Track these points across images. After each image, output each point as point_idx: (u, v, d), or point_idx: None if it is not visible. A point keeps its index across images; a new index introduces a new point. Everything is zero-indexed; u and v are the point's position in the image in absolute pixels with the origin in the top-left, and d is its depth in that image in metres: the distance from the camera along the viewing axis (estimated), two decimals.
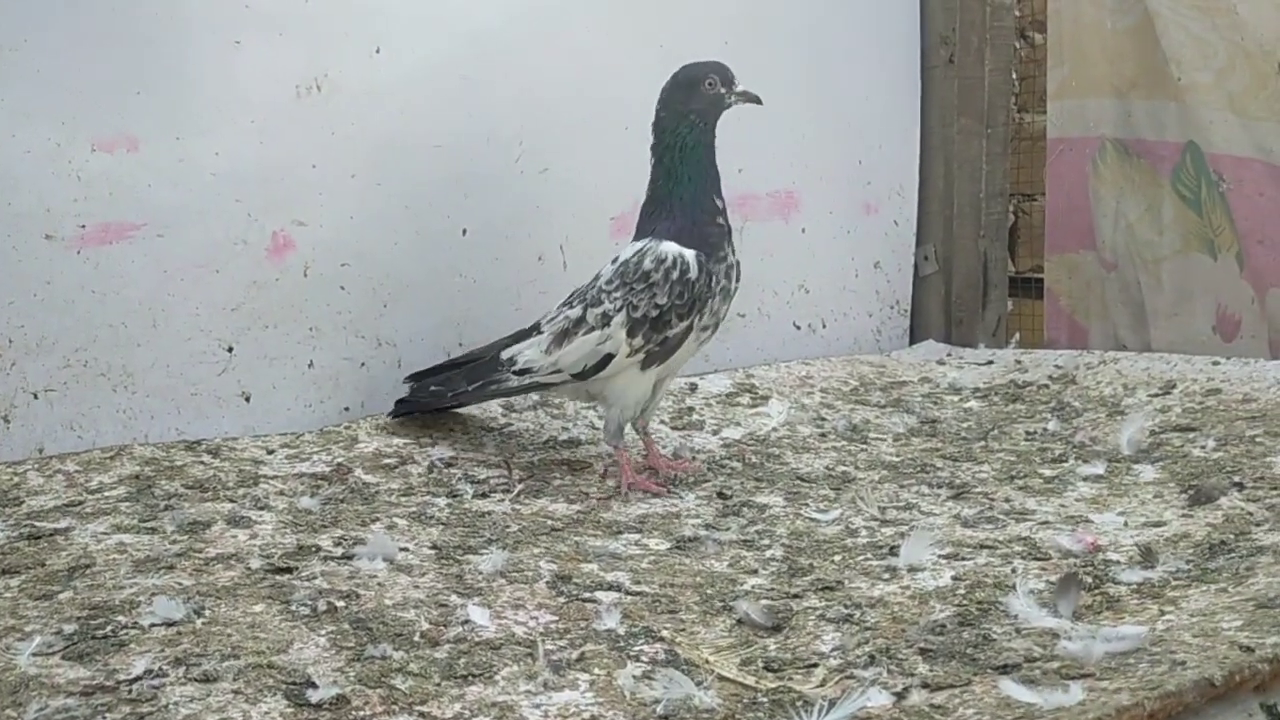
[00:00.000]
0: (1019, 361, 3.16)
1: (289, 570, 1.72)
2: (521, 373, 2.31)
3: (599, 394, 2.30)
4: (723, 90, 2.26)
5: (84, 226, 2.35)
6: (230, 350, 2.54)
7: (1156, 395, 2.69)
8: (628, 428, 2.31)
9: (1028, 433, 2.60)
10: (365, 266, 2.68)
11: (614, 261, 2.29)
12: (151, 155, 2.41)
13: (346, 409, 2.67)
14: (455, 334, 2.82)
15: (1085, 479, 2.24)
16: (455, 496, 2.17)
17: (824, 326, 3.42)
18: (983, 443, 2.55)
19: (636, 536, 1.99)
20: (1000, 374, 3.10)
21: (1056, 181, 3.23)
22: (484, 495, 2.18)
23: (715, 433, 2.64)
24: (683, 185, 2.24)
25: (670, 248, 2.21)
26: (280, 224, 2.57)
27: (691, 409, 2.80)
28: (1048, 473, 2.31)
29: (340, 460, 2.32)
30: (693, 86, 2.25)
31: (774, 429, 2.67)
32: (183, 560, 1.75)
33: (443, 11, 2.71)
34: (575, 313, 2.28)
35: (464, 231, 2.80)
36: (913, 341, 3.55)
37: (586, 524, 2.06)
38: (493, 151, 2.82)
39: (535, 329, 2.35)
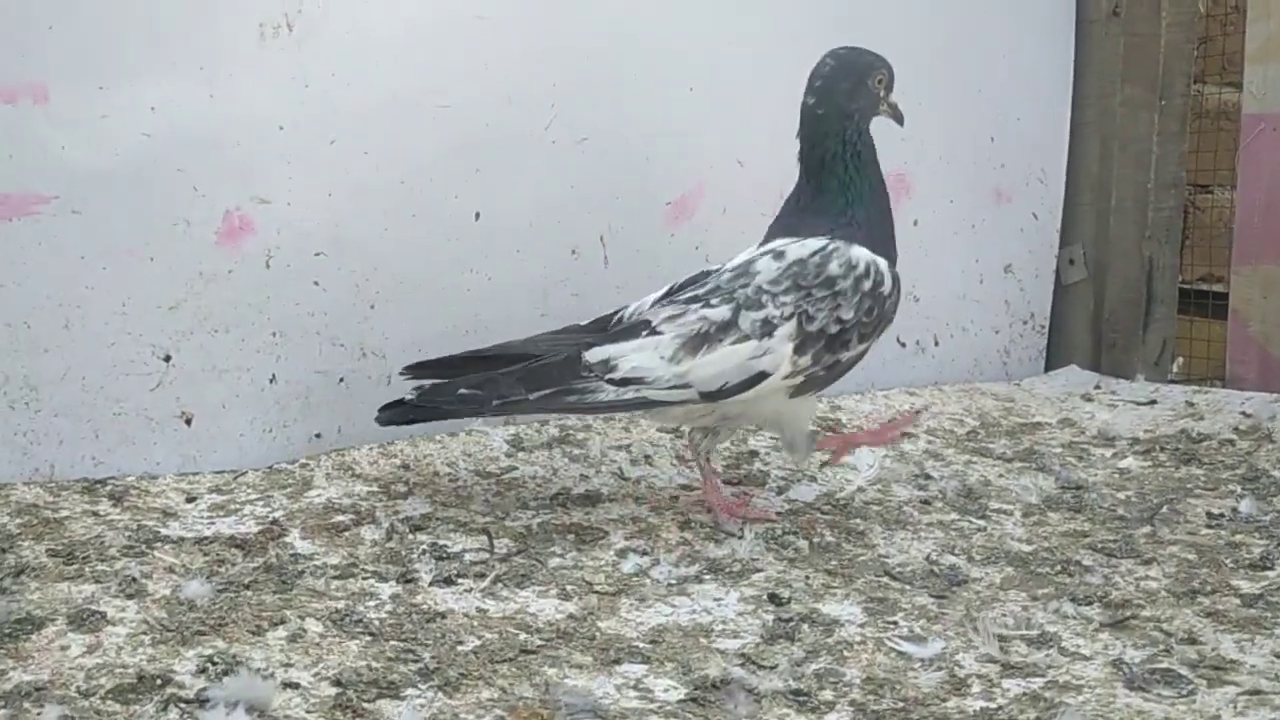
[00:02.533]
0: (1191, 404, 2.44)
1: None
2: (624, 383, 1.77)
3: (722, 420, 1.85)
4: (881, 94, 1.89)
5: None
6: (167, 359, 2.01)
7: None
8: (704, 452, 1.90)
9: (1210, 515, 1.90)
10: (347, 256, 2.11)
11: (774, 256, 1.84)
12: (65, 108, 1.88)
13: (318, 436, 2.13)
14: (461, 343, 2.22)
15: None
16: (409, 582, 1.59)
17: (936, 344, 2.75)
18: (1148, 528, 1.86)
19: (641, 671, 1.38)
20: (1167, 419, 2.39)
21: (1252, 170, 2.48)
22: (447, 581, 1.60)
23: (780, 491, 2.01)
24: (864, 198, 1.85)
25: (862, 253, 1.82)
26: (235, 201, 2.02)
27: (754, 454, 2.17)
28: (1246, 588, 1.62)
29: (277, 516, 1.77)
30: (860, 79, 1.87)
31: (860, 488, 2.03)
32: None
33: None
34: (720, 314, 1.79)
35: (476, 216, 2.22)
36: (1050, 367, 2.84)
37: (576, 640, 1.46)
38: (516, 115, 2.22)
39: (643, 327, 1.82)
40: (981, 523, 1.90)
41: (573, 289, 2.32)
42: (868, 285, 1.80)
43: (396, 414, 1.83)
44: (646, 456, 2.10)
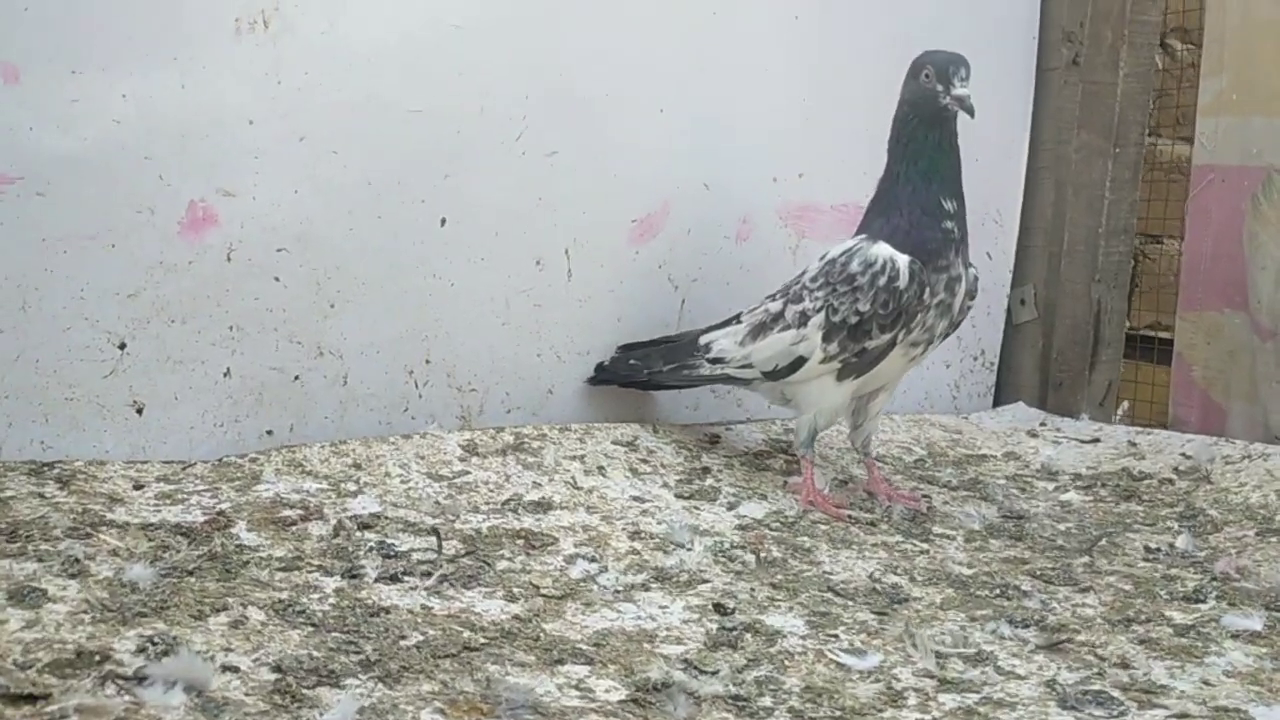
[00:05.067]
0: (1134, 444, 2.49)
1: (34, 699, 1.15)
2: (715, 361, 2.18)
3: (791, 398, 2.15)
4: (939, 88, 1.97)
5: None
6: (122, 347, 2.00)
7: None
8: (820, 438, 2.14)
9: (1148, 549, 1.95)
10: (309, 254, 2.12)
11: (822, 258, 2.10)
12: (36, 90, 1.88)
13: (269, 432, 2.12)
14: (421, 347, 2.25)
15: (1235, 636, 1.59)
16: (354, 578, 1.59)
17: None
18: (1087, 558, 1.90)
19: (583, 671, 1.39)
20: (1109, 457, 2.44)
21: (1200, 220, 2.56)
22: (393, 578, 1.59)
23: (731, 507, 2.03)
24: (901, 184, 2.03)
25: (882, 250, 2.01)
26: (201, 192, 2.02)
27: (707, 469, 2.19)
28: (1179, 619, 1.66)
29: (224, 508, 1.76)
30: (914, 76, 2.02)
31: (809, 509, 2.06)
32: None
33: None
34: (776, 307, 2.12)
35: (442, 221, 2.23)
36: (998, 403, 2.90)
37: (520, 639, 1.46)
38: (487, 124, 2.25)
39: (736, 318, 2.20)
40: (925, 546, 1.93)
41: (535, 299, 2.34)
42: (883, 280, 1.97)
43: (597, 374, 2.36)
44: (600, 467, 2.11)
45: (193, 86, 1.98)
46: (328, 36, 2.07)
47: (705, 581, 1.71)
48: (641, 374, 2.31)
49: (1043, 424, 2.71)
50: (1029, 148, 2.85)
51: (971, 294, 2.07)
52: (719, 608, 1.61)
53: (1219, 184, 2.49)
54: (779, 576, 1.75)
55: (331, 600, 1.51)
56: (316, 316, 2.14)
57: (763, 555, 1.82)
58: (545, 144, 2.30)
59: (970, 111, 1.95)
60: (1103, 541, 1.97)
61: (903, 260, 1.98)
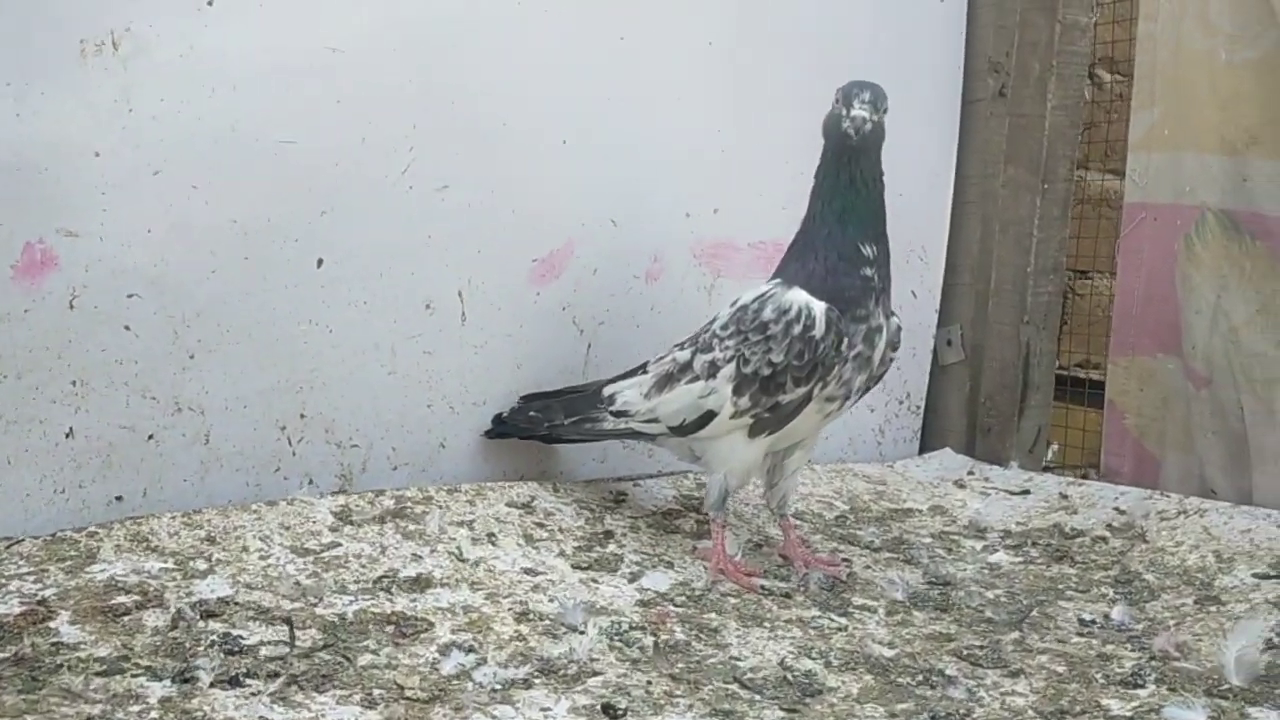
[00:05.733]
0: (1065, 496, 2.36)
1: None
2: (619, 414, 2.02)
3: (701, 455, 1.98)
4: (842, 111, 1.82)
5: None
6: None
7: (1269, 577, 1.89)
8: (730, 501, 1.96)
9: (1082, 621, 1.80)
10: (165, 300, 1.91)
11: (733, 304, 1.94)
12: None
13: (119, 498, 1.90)
14: (295, 400, 2.05)
15: None
16: (187, 682, 1.38)
17: None
18: (1017, 634, 1.75)
19: None
20: (1040, 511, 2.31)
21: (1132, 260, 2.44)
22: (232, 681, 1.39)
23: (633, 579, 1.85)
24: (818, 225, 1.88)
25: (798, 296, 1.85)
26: (38, 232, 1.80)
27: (609, 534, 2.01)
28: (1117, 709, 1.50)
29: (47, 595, 1.54)
30: (832, 104, 1.87)
31: (718, 578, 1.88)
32: None
33: None
34: (684, 356, 1.96)
35: (319, 262, 2.04)
36: (924, 449, 2.76)
37: None
38: (369, 156, 2.06)
39: (642, 368, 2.04)
40: (843, 620, 1.77)
41: (425, 345, 2.15)
42: (798, 330, 1.82)
43: (494, 427, 2.19)
44: (490, 535, 1.92)
45: (29, 115, 1.77)
46: (186, 60, 1.87)
47: (596, 674, 1.52)
48: (542, 427, 2.13)
49: (970, 473, 2.57)
50: (955, 182, 2.72)
51: (894, 345, 1.92)
52: (608, 709, 1.42)
53: (1151, 223, 2.38)
54: (680, 665, 1.57)
55: (154, 714, 1.29)
56: (174, 368, 1.93)
57: (663, 639, 1.64)
58: (435, 177, 2.11)
59: (856, 129, 1.77)
60: (1034, 613, 1.82)
61: (819, 308, 1.82)
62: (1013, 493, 2.43)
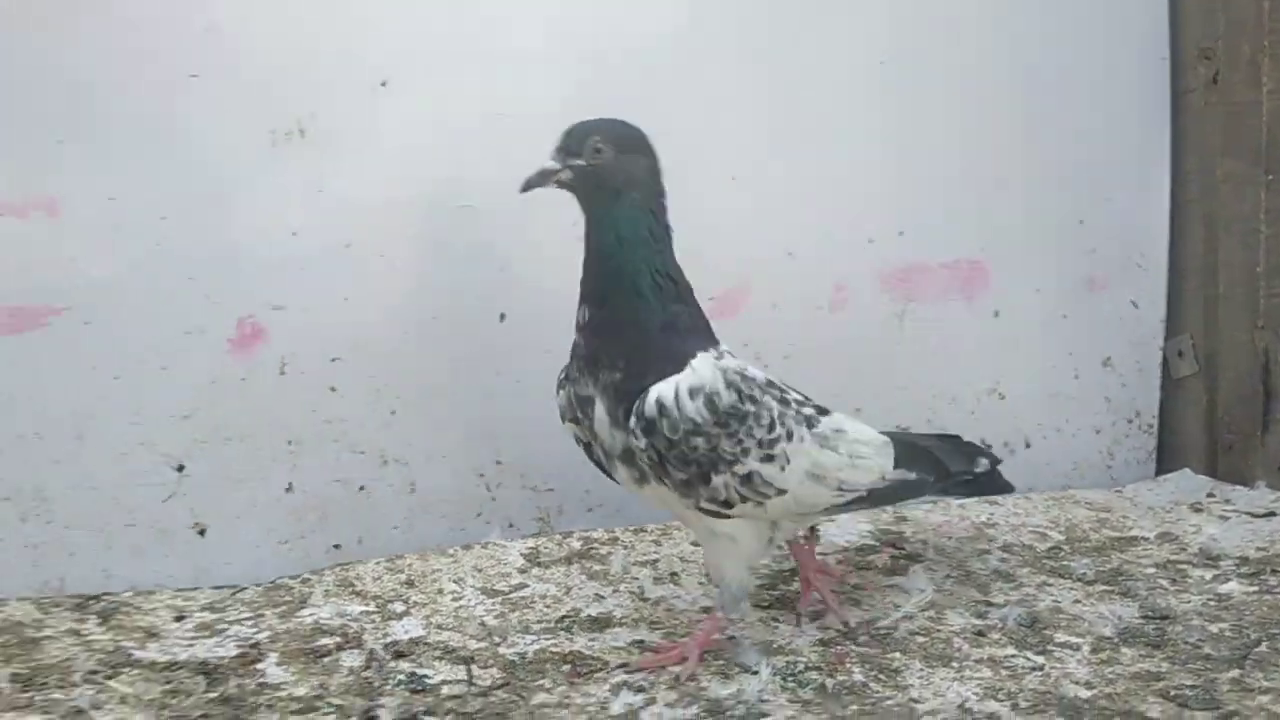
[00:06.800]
0: None
1: None
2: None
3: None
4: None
5: None
6: (180, 469, 1.97)
7: None
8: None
9: None
10: (364, 362, 2.05)
11: None
12: (77, 220, 1.89)
13: (336, 546, 2.05)
14: (492, 448, 2.14)
15: None
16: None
17: (1027, 446, 2.50)
18: (1237, 671, 1.58)
19: None
20: None
21: None
22: (411, 719, 1.46)
23: (815, 617, 1.81)
24: None
25: None
26: (248, 308, 1.99)
27: (795, 571, 1.97)
28: None
29: (260, 638, 1.67)
30: None
31: (907, 614, 1.81)
32: None
33: (469, 30, 2.07)
34: None
35: (502, 317, 2.13)
36: (1161, 470, 2.55)
37: None
38: (544, 212, 2.10)
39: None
40: (1040, 659, 1.65)
41: None
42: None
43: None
44: (673, 574, 1.94)
45: (232, 203, 1.96)
46: (367, 137, 2.02)
47: (764, 715, 1.50)
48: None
49: (1210, 495, 2.35)
50: (1171, 181, 2.52)
51: (640, 420, 1.53)
52: None
53: None
54: (853, 708, 1.52)
55: None
56: (377, 425, 2.07)
57: (839, 679, 1.59)
58: None
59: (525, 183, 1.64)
60: (1261, 646, 1.64)
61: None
62: (1256, 515, 2.20)
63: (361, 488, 2.07)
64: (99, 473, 1.93)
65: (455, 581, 1.88)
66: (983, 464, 1.89)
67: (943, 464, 1.81)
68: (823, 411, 1.71)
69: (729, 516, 1.60)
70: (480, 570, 1.92)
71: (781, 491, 1.60)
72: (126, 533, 1.95)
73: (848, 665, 1.64)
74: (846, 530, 2.18)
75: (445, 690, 1.55)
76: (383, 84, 2.02)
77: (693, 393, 1.54)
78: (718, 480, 1.55)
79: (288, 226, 1.99)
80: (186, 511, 1.98)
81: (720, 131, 2.23)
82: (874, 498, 1.72)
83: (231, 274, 1.97)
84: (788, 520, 1.69)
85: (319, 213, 2.00)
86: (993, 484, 1.93)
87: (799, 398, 1.70)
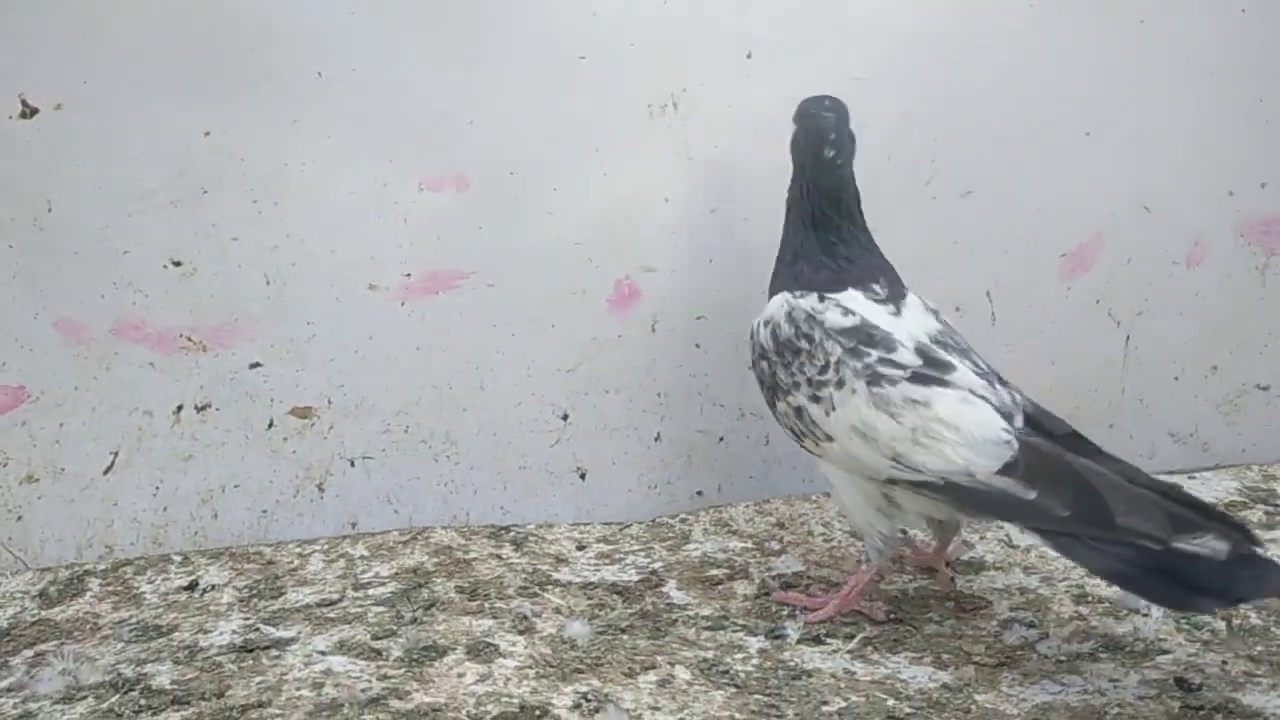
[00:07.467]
0: None
1: None
2: None
3: None
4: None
5: (409, 275, 2.09)
6: (565, 418, 2.16)
7: None
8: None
9: None
10: (726, 321, 2.18)
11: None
12: (483, 194, 2.10)
13: (699, 493, 2.19)
14: None
15: None
16: (777, 638, 1.60)
17: None
18: None
19: None
20: None
21: None
22: (815, 640, 1.59)
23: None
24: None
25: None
26: (625, 270, 2.16)
27: None
28: None
29: (656, 567, 1.84)
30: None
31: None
32: (368, 714, 1.35)
33: (827, 2, 2.16)
34: None
35: None
36: None
37: (949, 711, 1.39)
38: (895, 171, 2.20)
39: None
40: None
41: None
42: None
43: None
44: None
45: (613, 173, 2.13)
46: (732, 109, 2.14)
47: (1165, 652, 1.52)
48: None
49: None
50: None
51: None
52: (1181, 683, 1.42)
53: None
54: (1258, 649, 1.52)
55: (754, 661, 1.51)
56: (736, 380, 2.19)
57: (1237, 623, 1.59)
58: (958, 184, 2.21)
59: None
60: None
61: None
62: None
63: (721, 438, 2.21)
64: (497, 420, 2.14)
65: (823, 525, 1.99)
66: (1208, 545, 1.40)
67: (1105, 507, 1.44)
68: (941, 383, 1.61)
69: (817, 455, 1.69)
70: (845, 515, 2.02)
71: (829, 438, 1.62)
72: (520, 474, 2.16)
73: (1243, 610, 1.63)
74: (1213, 488, 2.14)
75: (844, 632, 1.65)
76: (748, 56, 2.13)
77: (766, 322, 1.77)
78: (780, 406, 1.72)
79: (660, 194, 2.14)
80: (570, 456, 2.17)
81: (1073, 85, 2.22)
82: (955, 492, 1.53)
83: (611, 239, 2.13)
84: (900, 493, 1.61)
85: (687, 180, 2.14)
86: (1208, 577, 1.38)
87: (908, 358, 1.66)
